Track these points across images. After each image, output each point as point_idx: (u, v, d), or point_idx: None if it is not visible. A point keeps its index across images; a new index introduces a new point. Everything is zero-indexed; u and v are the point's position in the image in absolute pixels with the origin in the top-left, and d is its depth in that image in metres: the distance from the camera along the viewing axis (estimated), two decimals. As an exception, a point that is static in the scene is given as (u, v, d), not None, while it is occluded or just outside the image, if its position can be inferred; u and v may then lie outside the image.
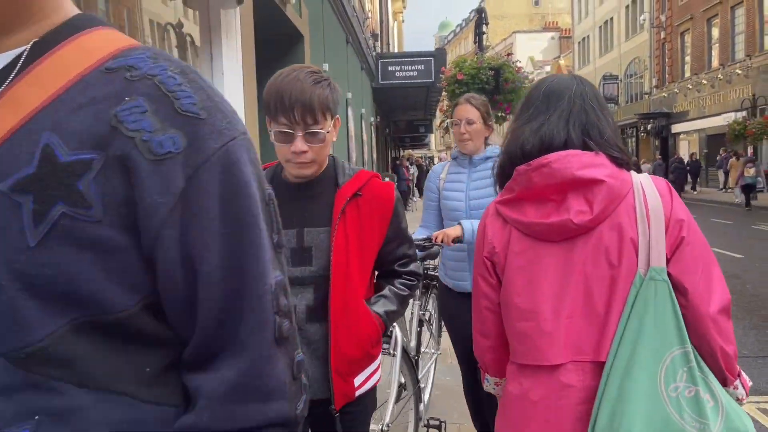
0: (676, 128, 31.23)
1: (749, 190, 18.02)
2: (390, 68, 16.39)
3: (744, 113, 23.32)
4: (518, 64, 8.07)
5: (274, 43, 6.12)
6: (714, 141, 27.17)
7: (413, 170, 24.70)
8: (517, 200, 1.38)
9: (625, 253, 1.30)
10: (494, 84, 7.71)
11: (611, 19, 39.47)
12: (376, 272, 1.80)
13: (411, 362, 2.87)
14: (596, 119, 1.38)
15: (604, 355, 1.30)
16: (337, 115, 1.64)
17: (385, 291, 1.77)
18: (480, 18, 8.55)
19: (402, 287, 1.79)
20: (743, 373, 1.40)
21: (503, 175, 1.44)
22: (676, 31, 30.86)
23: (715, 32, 27.36)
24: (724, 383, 1.32)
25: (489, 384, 1.61)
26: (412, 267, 1.81)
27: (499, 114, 8.23)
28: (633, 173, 1.38)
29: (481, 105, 2.71)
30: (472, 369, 2.79)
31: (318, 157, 1.61)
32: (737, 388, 1.36)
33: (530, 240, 1.37)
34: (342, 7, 9.58)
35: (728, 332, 1.31)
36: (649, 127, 32.83)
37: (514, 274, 1.39)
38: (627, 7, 37.14)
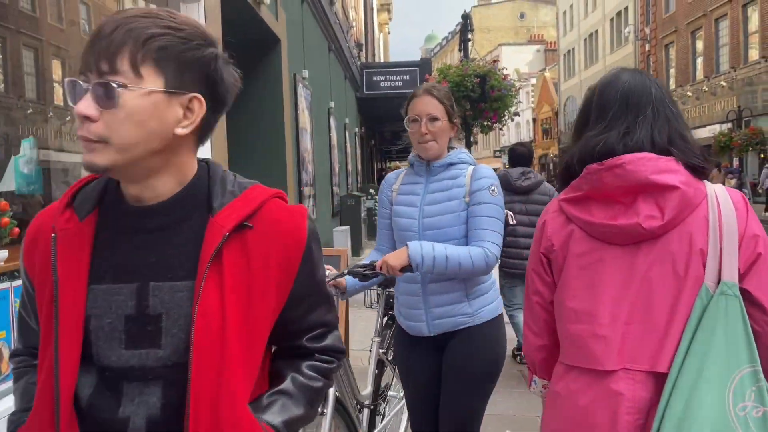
0: (661, 140, 31.24)
1: None
2: (375, 78, 16.16)
3: (729, 125, 23.34)
4: (504, 72, 7.83)
5: (247, 47, 5.81)
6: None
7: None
8: (584, 199, 1.34)
9: (692, 264, 1.27)
10: (480, 92, 7.45)
11: (596, 31, 39.68)
12: (273, 348, 1.14)
13: (351, 419, 2.38)
14: (679, 126, 1.35)
15: (660, 366, 1.26)
16: (196, 95, 0.97)
17: (286, 383, 1.08)
18: (465, 24, 8.31)
19: (313, 375, 1.10)
20: None
21: (568, 174, 1.39)
22: (660, 44, 31.01)
23: (700, 45, 27.48)
24: None
25: (537, 386, 1.55)
26: (330, 341, 1.13)
27: (485, 123, 7.97)
28: (708, 183, 1.34)
29: (445, 97, 2.22)
30: (424, 422, 2.32)
31: (112, 133, 0.91)
32: None
33: (593, 241, 1.34)
34: (323, 13, 9.30)
35: None
36: (634, 138, 32.86)
37: (573, 274, 1.36)
38: (612, 20, 37.34)
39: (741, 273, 1.26)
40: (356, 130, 15.71)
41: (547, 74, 50.64)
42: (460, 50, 8.50)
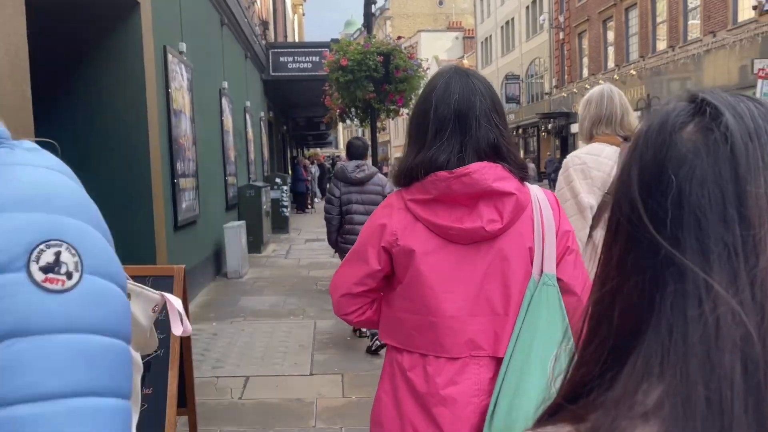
0: (575, 128, 31.78)
1: None
2: (282, 59, 15.08)
3: (639, 113, 23.74)
4: (415, 48, 7.03)
5: (90, 10, 4.74)
6: (611, 140, 27.72)
7: (314, 170, 23.45)
8: (431, 201, 1.43)
9: (523, 260, 1.45)
10: (384, 72, 6.65)
11: (512, 19, 39.91)
12: None
13: None
14: (502, 137, 1.46)
15: (501, 352, 1.43)
16: None
17: None
18: (368, -4, 7.48)
19: None
20: None
21: (409, 177, 1.47)
22: (574, 32, 31.39)
23: (611, 34, 27.93)
24: None
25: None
26: None
27: (391, 107, 7.19)
28: (529, 186, 1.50)
29: None
30: None
31: None
32: None
33: (438, 239, 1.44)
34: (210, -19, 8.20)
35: None
36: (549, 126, 33.28)
37: (421, 270, 1.44)
38: (527, 7, 37.60)
39: (557, 264, 1.47)
40: (262, 114, 14.61)
41: (466, 61, 50.74)
42: (363, 26, 7.64)
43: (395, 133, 67.44)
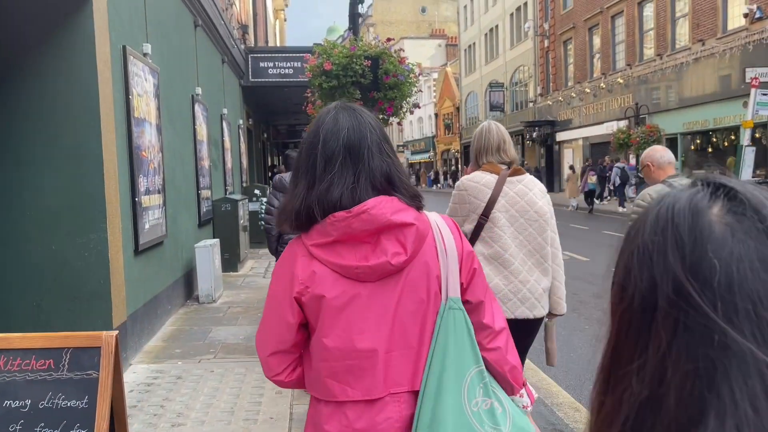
0: (560, 136, 31.43)
1: (591, 195, 21.12)
2: (262, 65, 14.39)
3: (626, 122, 23.42)
4: (402, 54, 6.39)
5: (28, 3, 4.05)
6: (597, 149, 27.37)
7: (295, 179, 22.70)
8: (334, 243, 1.41)
9: (432, 288, 1.45)
10: (372, 77, 6.00)
11: (496, 26, 39.58)
12: None
13: None
14: (394, 166, 1.47)
15: (418, 385, 1.42)
16: None
17: None
18: (355, -5, 6.82)
19: None
20: (529, 385, 1.59)
21: (308, 220, 1.44)
22: (559, 40, 31.07)
23: (597, 41, 27.62)
24: (511, 392, 1.53)
25: None
26: None
27: (380, 116, 6.54)
28: (426, 213, 1.51)
29: None
30: None
31: None
32: (522, 396, 1.55)
33: (345, 280, 1.41)
34: (181, -23, 7.51)
35: (513, 347, 1.55)
36: (534, 135, 32.88)
37: (332, 314, 1.42)
38: (512, 15, 37.29)
39: (464, 286, 1.50)
40: (240, 122, 13.89)
41: (449, 69, 50.42)
42: (349, 28, 6.98)
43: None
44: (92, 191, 4.46)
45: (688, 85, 20.63)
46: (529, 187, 2.91)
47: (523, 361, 3.01)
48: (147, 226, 5.57)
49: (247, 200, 11.09)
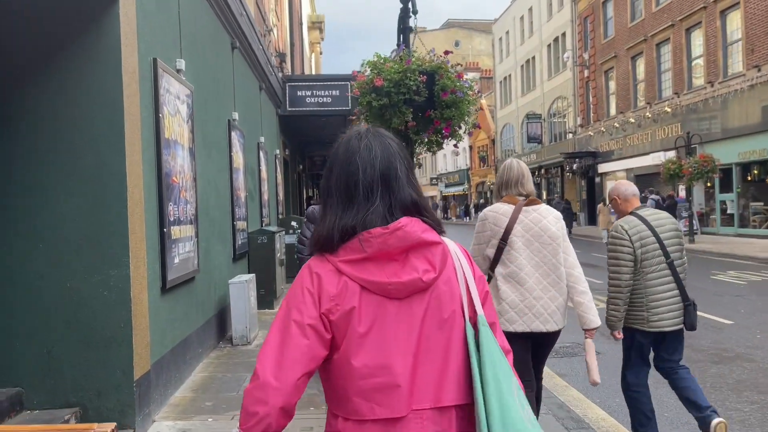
0: (602, 168, 30.41)
1: None
2: (299, 93, 13.98)
3: (673, 152, 22.39)
4: (459, 68, 5.75)
5: (47, 7, 3.55)
6: (643, 181, 26.30)
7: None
8: (364, 261, 1.43)
9: (455, 307, 1.49)
10: (427, 95, 5.36)
11: (533, 57, 39.05)
12: None
13: None
14: (419, 197, 1.52)
15: (444, 400, 1.43)
16: None
17: None
18: (406, 7, 6.23)
19: None
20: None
21: (331, 242, 1.46)
22: (600, 70, 30.31)
23: (641, 70, 26.78)
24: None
25: None
26: None
27: (434, 138, 5.87)
28: (446, 239, 1.55)
29: None
30: None
31: None
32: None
33: (374, 297, 1.43)
34: (219, -5, 7.05)
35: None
36: (575, 166, 31.90)
37: (361, 331, 1.42)
38: (549, 46, 36.74)
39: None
40: (277, 152, 13.43)
41: (483, 101, 49.92)
42: (399, 44, 6.38)
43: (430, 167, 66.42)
44: (114, 220, 3.86)
45: (743, 112, 19.61)
46: (544, 215, 3.34)
47: (541, 370, 3.59)
48: (176, 260, 4.96)
49: (283, 232, 10.52)
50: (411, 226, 1.43)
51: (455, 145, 6.36)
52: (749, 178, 20.68)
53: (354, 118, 6.62)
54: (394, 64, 5.58)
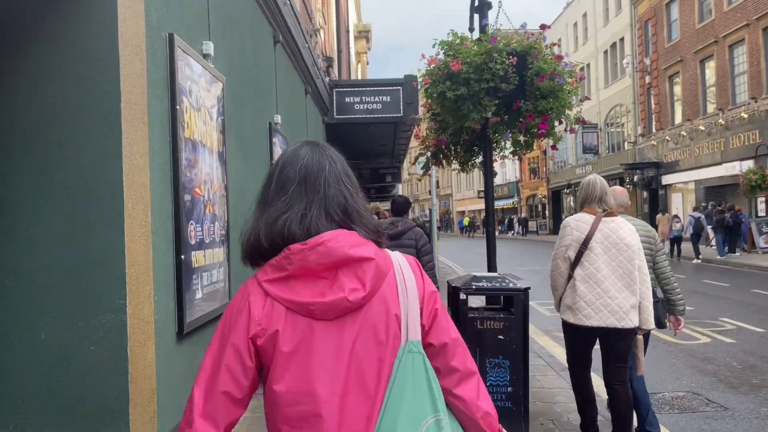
0: (667, 179, 28.44)
1: (677, 242, 20.70)
2: (347, 99, 12.96)
3: (751, 162, 20.50)
4: (555, 50, 4.51)
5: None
6: (714, 192, 24.33)
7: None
8: (289, 279, 1.37)
9: (391, 328, 1.37)
10: (517, 81, 4.12)
11: (588, 65, 37.30)
12: None
13: None
14: (352, 199, 1.44)
15: (372, 430, 1.34)
16: None
17: None
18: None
19: None
20: (504, 430, 1.49)
21: (258, 252, 1.42)
22: (663, 75, 28.46)
23: (710, 74, 24.89)
24: None
25: None
26: None
27: (521, 138, 4.63)
28: (388, 251, 1.46)
29: None
30: None
31: None
32: None
33: (300, 319, 1.35)
34: (258, -24, 6.03)
35: (486, 392, 1.46)
36: (635, 178, 29.99)
37: (285, 357, 1.35)
38: (606, 52, 35.00)
39: (426, 328, 1.42)
40: (323, 163, 12.39)
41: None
42: (470, 29, 5.18)
43: (467, 181, 64.99)
44: (105, 246, 2.79)
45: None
46: (620, 225, 3.83)
47: (624, 373, 3.88)
48: (199, 295, 3.87)
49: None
50: (336, 240, 1.36)
51: (554, 147, 5.11)
52: (843, 190, 18.66)
53: (418, 117, 5.45)
54: (474, 44, 4.38)
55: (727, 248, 19.22)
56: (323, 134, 12.80)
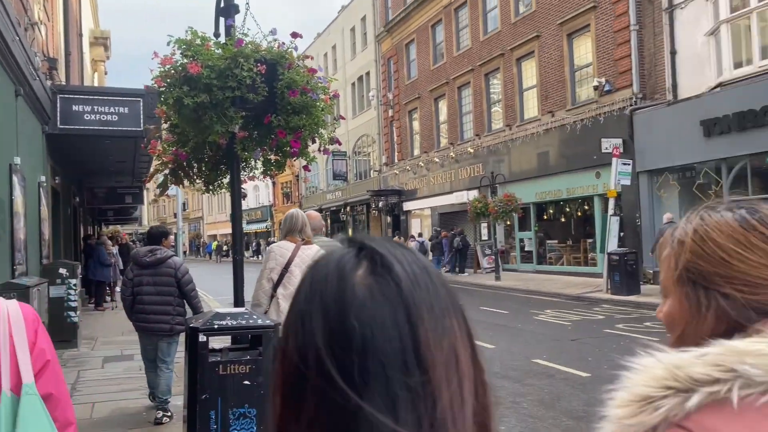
0: (407, 206, 30.70)
1: None
2: (75, 108, 11.26)
3: (476, 192, 23.01)
4: (308, 63, 4.13)
5: None
6: (447, 219, 26.84)
7: (115, 252, 18.71)
8: None
9: None
10: (266, 92, 3.63)
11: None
12: None
13: None
14: None
15: None
16: None
17: None
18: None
19: None
20: None
21: None
22: (404, 110, 30.79)
23: (444, 112, 27.58)
24: None
25: None
26: None
27: (272, 156, 4.15)
28: (2, 300, 1.42)
29: None
30: None
31: None
32: None
33: None
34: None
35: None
36: (380, 204, 31.85)
37: None
38: (353, 84, 36.85)
39: (36, 377, 1.38)
40: (42, 179, 10.56)
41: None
42: (217, 33, 4.59)
43: (209, 205, 62.83)
44: None
45: (539, 155, 20.68)
46: (315, 252, 4.25)
47: None
48: None
49: (46, 284, 7.91)
50: None
51: (306, 168, 4.72)
52: (545, 217, 21.85)
53: (153, 127, 4.67)
54: (217, 46, 3.81)
55: (457, 268, 21.17)
56: (43, 146, 10.93)
